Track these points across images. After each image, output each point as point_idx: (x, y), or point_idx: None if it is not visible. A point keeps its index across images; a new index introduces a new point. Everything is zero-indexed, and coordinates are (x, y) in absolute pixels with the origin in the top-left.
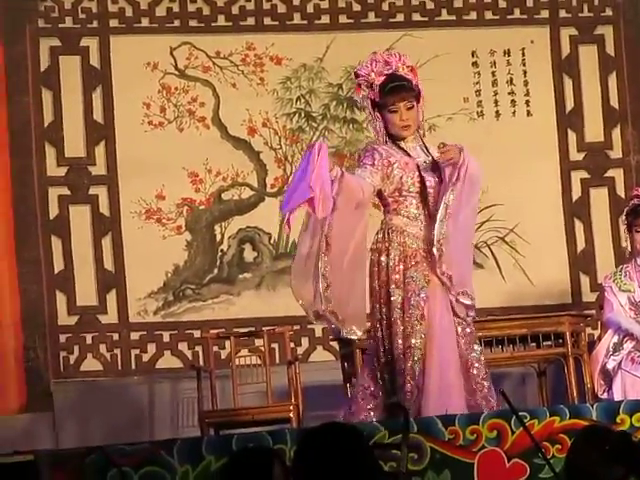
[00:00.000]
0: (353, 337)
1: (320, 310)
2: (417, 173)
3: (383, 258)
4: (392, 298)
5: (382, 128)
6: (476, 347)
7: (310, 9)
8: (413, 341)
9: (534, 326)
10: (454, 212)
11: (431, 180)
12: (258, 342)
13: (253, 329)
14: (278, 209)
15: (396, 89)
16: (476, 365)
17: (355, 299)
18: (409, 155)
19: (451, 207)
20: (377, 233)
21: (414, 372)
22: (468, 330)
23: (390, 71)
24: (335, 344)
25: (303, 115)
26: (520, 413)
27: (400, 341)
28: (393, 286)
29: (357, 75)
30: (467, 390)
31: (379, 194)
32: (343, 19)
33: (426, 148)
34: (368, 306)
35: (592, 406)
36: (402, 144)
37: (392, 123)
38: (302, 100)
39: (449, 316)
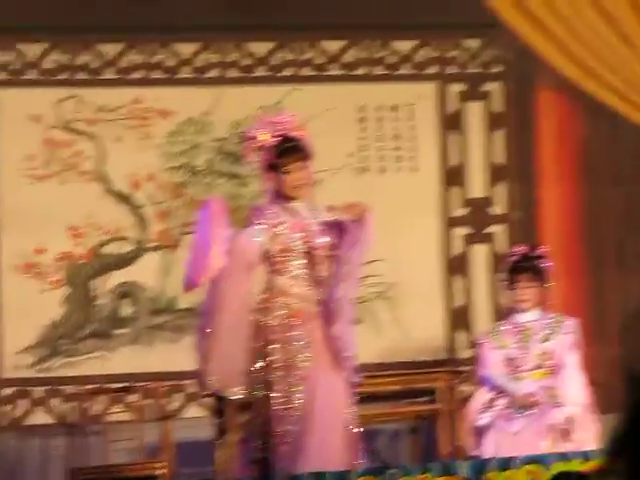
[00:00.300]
0: (233, 397)
1: (208, 376)
2: (304, 234)
3: (266, 318)
4: (272, 358)
5: (274, 189)
6: (354, 407)
7: (199, 63)
8: (295, 405)
9: (409, 382)
10: (351, 272)
11: (316, 242)
12: (132, 398)
13: (127, 385)
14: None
15: (289, 150)
16: (352, 424)
17: (237, 360)
18: (296, 216)
19: (350, 266)
20: (261, 293)
21: (291, 434)
22: (349, 391)
23: (281, 132)
24: (209, 400)
25: (187, 169)
26: (392, 470)
27: (279, 401)
28: (274, 346)
29: (247, 137)
30: (346, 449)
31: (265, 254)
32: (231, 73)
33: (314, 210)
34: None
35: (462, 463)
36: (290, 204)
37: (286, 184)
38: (187, 154)
39: (334, 376)
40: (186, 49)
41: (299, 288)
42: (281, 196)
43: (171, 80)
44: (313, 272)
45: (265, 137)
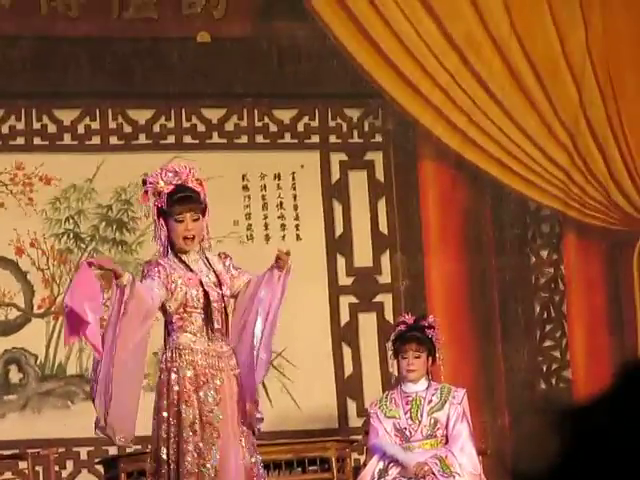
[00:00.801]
0: (124, 444)
1: (102, 423)
2: (201, 288)
3: (173, 376)
4: (183, 416)
5: (166, 238)
6: (258, 456)
7: (81, 130)
8: (209, 463)
9: (300, 451)
10: (272, 321)
11: (214, 295)
12: (22, 465)
13: (17, 452)
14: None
15: (183, 199)
16: (260, 471)
17: (130, 411)
18: (191, 270)
19: (272, 315)
20: (164, 352)
21: None
22: (253, 441)
23: (179, 182)
24: (100, 467)
25: (72, 236)
26: None
27: (190, 459)
28: (184, 405)
29: (145, 182)
30: None
31: (163, 311)
32: (114, 140)
33: (209, 262)
34: (150, 425)
35: None
36: (184, 258)
37: (176, 233)
38: (71, 221)
39: (239, 432)
40: (67, 115)
41: (201, 344)
42: (173, 248)
43: (53, 146)
44: (213, 325)
45: (163, 184)
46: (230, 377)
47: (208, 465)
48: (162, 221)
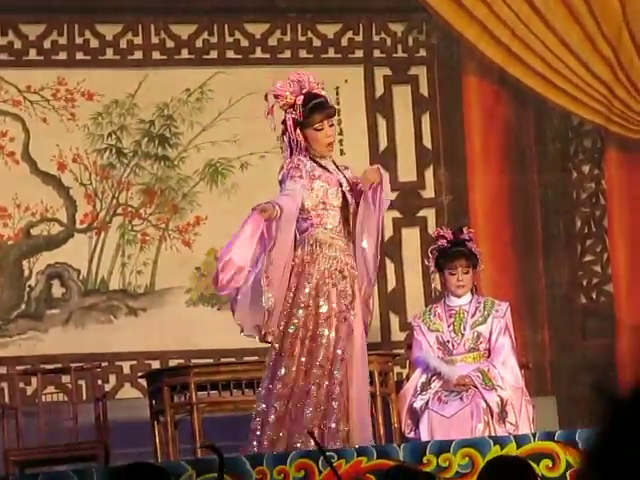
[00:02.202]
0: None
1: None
2: (339, 189)
3: (312, 271)
4: (321, 310)
5: (302, 146)
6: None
7: (123, 45)
8: (339, 352)
9: None
10: (378, 228)
11: (349, 196)
12: (65, 379)
13: (60, 366)
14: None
15: (320, 107)
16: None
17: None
18: (329, 171)
19: (376, 223)
20: (301, 247)
21: (341, 382)
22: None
23: (305, 90)
24: (143, 381)
25: (114, 151)
26: (328, 453)
27: (323, 352)
28: (323, 298)
29: (275, 96)
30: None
31: (301, 207)
32: (156, 55)
33: (338, 167)
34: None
35: (399, 446)
36: (321, 161)
37: (317, 141)
38: (113, 136)
39: (364, 339)
40: (109, 30)
41: (339, 241)
42: (308, 153)
43: (95, 62)
44: (349, 225)
45: (291, 95)
46: (370, 285)
47: (340, 358)
48: (298, 131)
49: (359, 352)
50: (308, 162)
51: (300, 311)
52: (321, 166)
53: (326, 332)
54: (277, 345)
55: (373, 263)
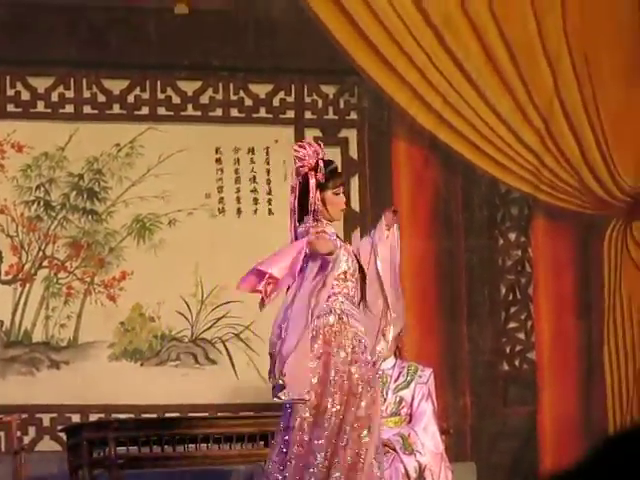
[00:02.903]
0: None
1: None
2: (356, 259)
3: (342, 338)
4: (355, 376)
5: (315, 210)
6: None
7: (54, 98)
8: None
9: (264, 425)
10: None
11: (363, 266)
12: None
13: None
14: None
15: (337, 171)
16: None
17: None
18: (343, 240)
19: None
20: (325, 315)
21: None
22: None
23: (321, 157)
24: (63, 435)
25: (42, 204)
26: None
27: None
28: (354, 366)
29: (299, 158)
30: None
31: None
32: (87, 109)
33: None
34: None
35: None
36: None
37: (335, 205)
38: (42, 189)
39: None
40: (41, 83)
41: (359, 313)
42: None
43: (26, 114)
44: (365, 296)
45: (314, 159)
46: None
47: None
48: (318, 194)
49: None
50: (327, 228)
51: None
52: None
53: (360, 395)
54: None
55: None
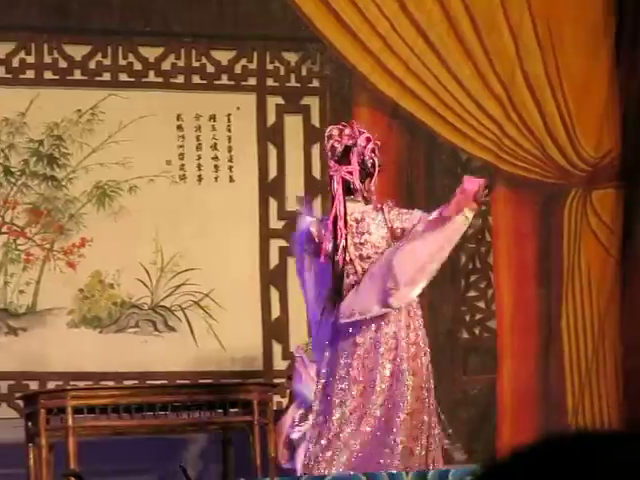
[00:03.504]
0: None
1: None
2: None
3: None
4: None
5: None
6: None
7: (15, 63)
8: None
9: (222, 392)
10: None
11: None
12: None
13: None
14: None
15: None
16: None
17: None
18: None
19: None
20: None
21: None
22: None
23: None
24: (20, 402)
25: (1, 169)
26: None
27: None
28: None
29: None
30: None
31: None
32: (48, 75)
33: None
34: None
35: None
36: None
37: (376, 188)
38: (1, 154)
39: None
40: (2, 49)
41: None
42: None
43: None
44: None
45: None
46: None
47: None
48: (371, 173)
49: None
50: None
51: None
52: None
53: None
54: None
55: None
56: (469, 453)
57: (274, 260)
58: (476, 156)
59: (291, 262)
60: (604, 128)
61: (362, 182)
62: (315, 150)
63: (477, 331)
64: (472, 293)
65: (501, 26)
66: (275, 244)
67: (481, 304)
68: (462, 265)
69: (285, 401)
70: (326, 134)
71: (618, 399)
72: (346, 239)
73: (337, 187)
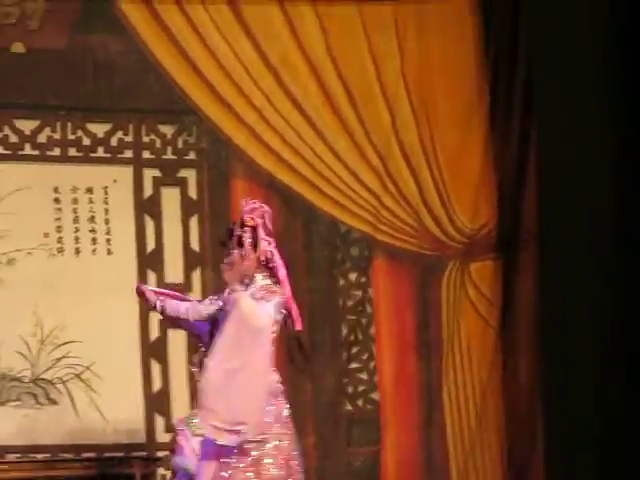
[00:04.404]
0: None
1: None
2: None
3: None
4: None
5: None
6: None
7: None
8: None
9: (105, 467)
10: None
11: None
12: None
13: None
14: None
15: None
16: None
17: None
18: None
19: None
20: None
21: None
22: None
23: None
24: None
25: None
26: None
27: None
28: None
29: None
30: None
31: None
32: None
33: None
34: None
35: None
36: None
37: None
38: None
39: None
40: None
41: None
42: None
43: None
44: None
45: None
46: None
47: None
48: None
49: None
50: None
51: None
52: None
53: None
54: None
55: None
56: None
57: (154, 332)
58: (354, 227)
59: (171, 334)
60: (480, 198)
61: None
62: (193, 222)
63: (360, 403)
64: (354, 365)
65: (377, 98)
66: (155, 316)
67: (363, 376)
68: (344, 337)
69: (169, 474)
70: (265, 210)
71: (502, 469)
72: None
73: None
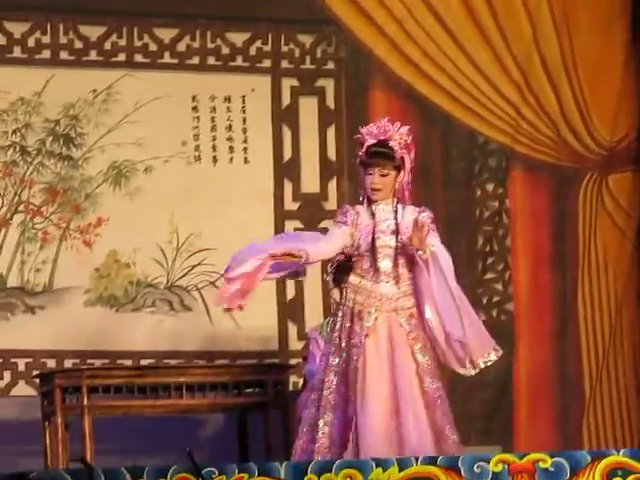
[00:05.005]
0: None
1: None
2: (371, 235)
3: (340, 312)
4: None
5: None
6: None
7: (31, 43)
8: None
9: (237, 373)
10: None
11: (386, 240)
12: None
13: None
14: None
15: (375, 155)
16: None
17: None
18: (373, 217)
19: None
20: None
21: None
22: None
23: (383, 137)
24: (37, 380)
25: (18, 149)
26: (209, 469)
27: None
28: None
29: (359, 132)
30: None
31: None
32: (64, 55)
33: (396, 212)
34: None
35: (280, 464)
36: (373, 206)
37: (365, 184)
38: (18, 134)
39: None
40: (18, 28)
41: (365, 284)
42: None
43: (3, 59)
44: (379, 269)
45: (368, 137)
46: (391, 317)
47: None
48: (362, 170)
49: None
50: (360, 208)
51: None
52: (370, 210)
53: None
54: None
55: (439, 332)
56: (485, 434)
57: None
58: (492, 139)
59: None
60: (620, 111)
61: None
62: (330, 132)
63: (494, 313)
64: (489, 275)
65: (518, 10)
66: (290, 225)
67: (499, 286)
68: (479, 247)
69: (301, 381)
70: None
71: (636, 380)
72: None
73: None
